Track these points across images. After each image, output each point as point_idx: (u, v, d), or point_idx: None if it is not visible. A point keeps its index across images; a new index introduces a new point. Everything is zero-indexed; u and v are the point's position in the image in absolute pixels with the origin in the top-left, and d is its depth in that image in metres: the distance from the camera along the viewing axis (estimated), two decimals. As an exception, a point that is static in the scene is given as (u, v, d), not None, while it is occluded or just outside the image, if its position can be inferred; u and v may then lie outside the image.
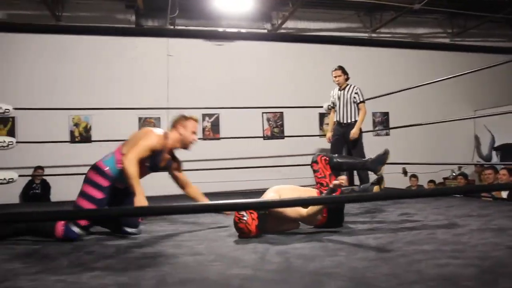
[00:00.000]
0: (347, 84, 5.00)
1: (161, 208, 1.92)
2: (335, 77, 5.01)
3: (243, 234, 2.55)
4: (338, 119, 5.04)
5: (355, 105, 4.91)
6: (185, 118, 2.88)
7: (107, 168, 2.67)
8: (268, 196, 2.67)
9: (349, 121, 4.92)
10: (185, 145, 2.88)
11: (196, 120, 2.92)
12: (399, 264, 1.76)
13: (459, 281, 1.51)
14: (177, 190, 3.13)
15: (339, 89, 5.03)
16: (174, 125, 2.88)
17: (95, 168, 2.71)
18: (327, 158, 2.96)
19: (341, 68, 5.02)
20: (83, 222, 2.53)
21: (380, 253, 2.00)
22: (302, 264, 1.84)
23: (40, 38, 6.59)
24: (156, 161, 2.78)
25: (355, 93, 4.90)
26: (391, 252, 2.02)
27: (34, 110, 5.75)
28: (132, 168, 2.54)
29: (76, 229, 2.53)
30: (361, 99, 4.91)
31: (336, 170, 3.06)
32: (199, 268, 1.84)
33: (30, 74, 6.72)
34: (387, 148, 3.11)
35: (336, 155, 3.15)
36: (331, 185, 2.61)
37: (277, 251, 2.11)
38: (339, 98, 5.01)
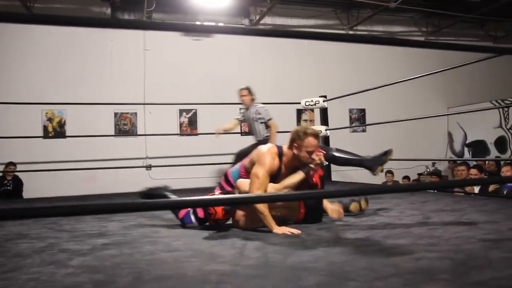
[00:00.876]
0: (253, 104, 5.04)
1: (138, 204, 1.89)
2: (241, 96, 5.04)
3: (210, 216, 2.56)
4: (252, 134, 5.16)
5: (261, 123, 4.99)
6: (299, 137, 2.58)
7: (233, 179, 2.82)
8: (245, 184, 2.66)
9: (260, 138, 5.01)
10: (303, 164, 2.64)
11: (314, 136, 2.58)
12: (376, 258, 1.78)
13: (434, 274, 1.54)
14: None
15: (246, 108, 5.10)
16: (291, 143, 2.64)
17: (226, 177, 2.89)
18: (324, 152, 2.87)
19: (247, 88, 5.06)
20: (200, 214, 2.65)
21: (358, 248, 2.02)
22: (280, 259, 1.84)
23: (12, 30, 6.40)
24: (275, 178, 2.65)
25: (258, 113, 4.97)
26: (368, 246, 2.04)
27: (5, 104, 5.59)
28: (260, 208, 2.46)
29: (192, 218, 2.68)
30: (267, 118, 4.98)
31: (332, 163, 3.01)
32: (176, 264, 1.82)
33: (0, 67, 6.51)
34: (390, 148, 2.96)
35: (334, 148, 3.08)
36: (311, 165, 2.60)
37: (255, 246, 2.11)
38: (244, 116, 5.16)
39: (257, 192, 2.51)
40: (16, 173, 6.08)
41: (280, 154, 2.66)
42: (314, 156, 2.60)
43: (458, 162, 6.69)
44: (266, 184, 2.57)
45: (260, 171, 2.54)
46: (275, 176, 2.65)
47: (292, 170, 2.71)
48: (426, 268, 1.62)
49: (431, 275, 1.53)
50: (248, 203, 2.45)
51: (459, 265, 1.65)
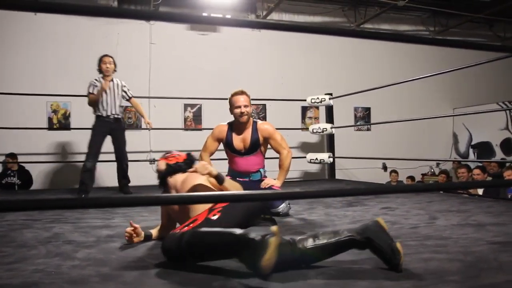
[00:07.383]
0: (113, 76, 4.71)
1: (144, 198, 1.87)
2: (109, 64, 4.68)
3: None
4: (102, 112, 4.54)
5: (124, 100, 4.75)
6: (230, 97, 3.15)
7: None
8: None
9: (119, 116, 4.68)
10: (237, 120, 3.12)
11: (236, 94, 3.11)
12: (384, 258, 1.76)
13: (444, 276, 1.52)
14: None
15: (104, 78, 4.67)
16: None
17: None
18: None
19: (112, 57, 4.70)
20: None
21: (365, 247, 2.00)
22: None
23: (17, 20, 6.38)
24: (232, 142, 3.17)
25: (125, 90, 4.79)
26: (375, 245, 2.02)
27: (10, 95, 5.58)
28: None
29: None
30: (131, 95, 4.82)
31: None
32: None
33: (5, 57, 6.48)
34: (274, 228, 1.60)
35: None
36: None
37: (262, 243, 2.09)
38: (104, 89, 4.60)
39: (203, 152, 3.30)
40: (23, 164, 5.99)
41: (230, 124, 3.21)
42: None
43: (460, 164, 6.65)
44: (208, 145, 3.32)
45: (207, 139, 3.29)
46: (229, 142, 3.19)
47: (244, 132, 3.16)
48: (436, 269, 1.60)
49: (441, 276, 1.51)
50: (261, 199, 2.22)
51: (469, 267, 1.63)
